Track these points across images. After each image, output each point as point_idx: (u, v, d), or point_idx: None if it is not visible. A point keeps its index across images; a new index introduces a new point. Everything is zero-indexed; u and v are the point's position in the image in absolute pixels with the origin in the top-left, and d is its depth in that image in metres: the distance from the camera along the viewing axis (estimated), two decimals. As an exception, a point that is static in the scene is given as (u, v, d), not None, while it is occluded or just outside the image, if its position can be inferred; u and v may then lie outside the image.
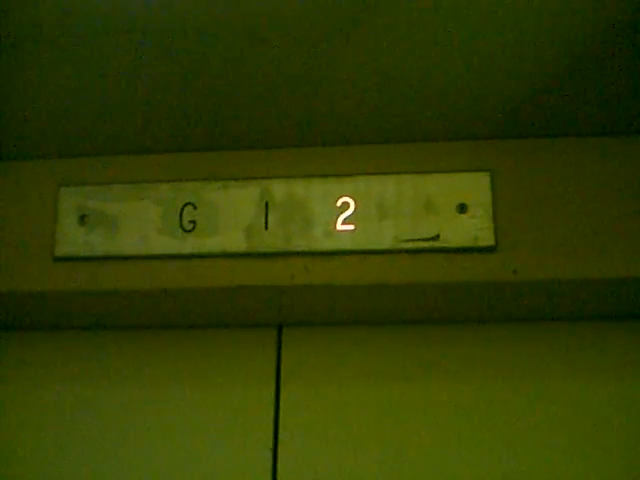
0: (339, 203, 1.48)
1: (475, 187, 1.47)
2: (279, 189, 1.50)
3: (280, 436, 1.56)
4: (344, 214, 1.48)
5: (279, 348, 1.61)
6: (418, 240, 1.45)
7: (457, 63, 1.33)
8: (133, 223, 1.51)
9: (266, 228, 1.48)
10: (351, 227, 1.47)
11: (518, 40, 1.28)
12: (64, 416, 1.61)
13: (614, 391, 1.52)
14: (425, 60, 1.33)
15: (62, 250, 1.51)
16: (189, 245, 1.49)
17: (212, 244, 1.48)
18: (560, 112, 1.43)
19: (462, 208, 1.46)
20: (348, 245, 1.46)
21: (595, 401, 1.52)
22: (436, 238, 1.45)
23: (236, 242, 1.48)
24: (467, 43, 1.29)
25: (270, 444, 1.55)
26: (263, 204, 1.49)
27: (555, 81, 1.36)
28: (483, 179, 1.47)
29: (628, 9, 1.21)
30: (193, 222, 1.50)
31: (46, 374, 1.64)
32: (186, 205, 1.51)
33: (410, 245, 1.45)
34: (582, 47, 1.29)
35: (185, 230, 1.50)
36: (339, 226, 1.47)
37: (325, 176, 1.50)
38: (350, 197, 1.48)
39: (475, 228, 1.45)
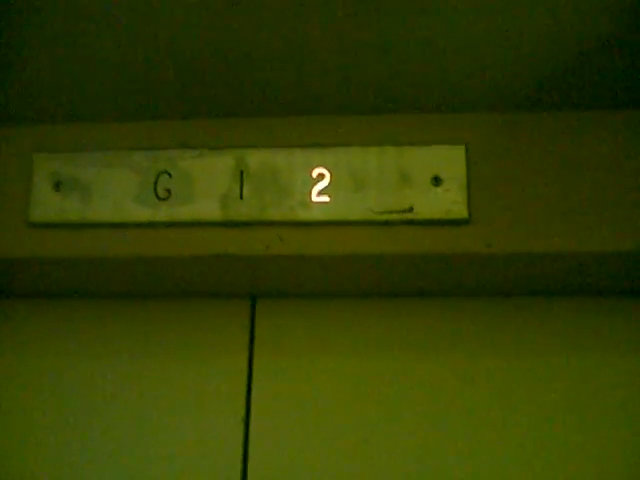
0: (314, 174, 1.48)
1: (450, 160, 1.47)
2: (254, 158, 1.49)
3: (252, 407, 1.56)
4: (319, 185, 1.48)
5: (252, 319, 1.61)
6: (392, 212, 1.46)
7: (436, 37, 1.33)
8: (108, 190, 1.50)
9: (241, 197, 1.48)
10: (326, 198, 1.47)
11: (502, 14, 1.29)
12: (35, 384, 1.60)
13: (590, 365, 1.54)
14: (405, 33, 1.33)
15: (36, 216, 1.50)
16: (163, 213, 1.48)
17: (186, 213, 1.48)
18: (536, 86, 1.44)
19: (436, 181, 1.46)
20: (323, 216, 1.46)
21: (570, 375, 1.53)
22: (410, 210, 1.45)
23: (211, 211, 1.48)
24: (453, 17, 1.29)
25: (242, 414, 1.55)
26: (238, 173, 1.49)
27: (533, 56, 1.37)
28: (458, 152, 1.47)
29: None
30: (168, 190, 1.50)
31: (18, 341, 1.64)
32: (161, 173, 1.50)
33: (384, 217, 1.45)
34: (565, 25, 1.30)
35: (160, 198, 1.49)
36: (314, 197, 1.47)
37: (301, 147, 1.49)
38: (325, 168, 1.48)
39: (449, 201, 1.45)
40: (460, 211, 1.44)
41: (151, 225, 1.48)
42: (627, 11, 1.27)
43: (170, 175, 1.50)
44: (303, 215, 1.47)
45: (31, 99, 1.50)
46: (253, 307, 1.62)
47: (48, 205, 1.50)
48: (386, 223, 1.45)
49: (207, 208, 1.48)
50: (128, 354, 1.61)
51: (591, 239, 1.42)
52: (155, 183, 1.50)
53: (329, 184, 1.48)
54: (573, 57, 1.37)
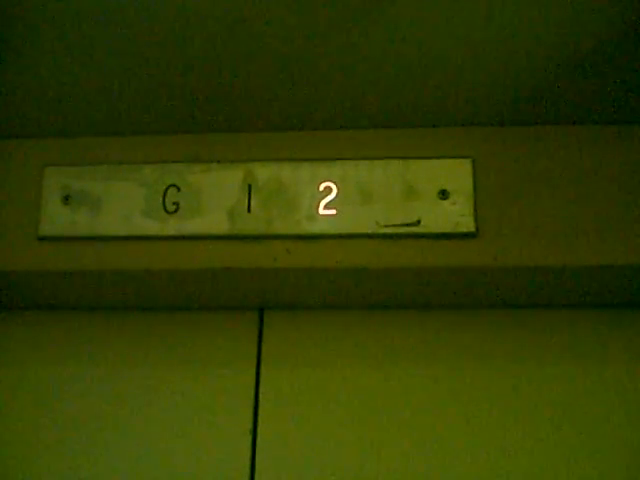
0: (321, 187, 1.49)
1: (457, 174, 1.48)
2: (262, 172, 1.50)
3: (259, 419, 1.57)
4: (326, 198, 1.49)
5: (260, 331, 1.62)
6: (399, 225, 1.46)
7: (443, 51, 1.34)
8: (117, 204, 1.51)
9: (249, 211, 1.49)
10: (333, 211, 1.48)
11: (508, 28, 1.29)
12: (45, 396, 1.61)
13: (594, 377, 1.54)
14: (411, 47, 1.33)
15: (46, 230, 1.51)
16: (172, 227, 1.50)
17: (195, 226, 1.49)
18: (543, 100, 1.44)
19: (443, 194, 1.47)
20: (330, 229, 1.47)
21: (575, 387, 1.54)
22: (417, 223, 1.46)
23: (219, 224, 1.49)
24: (454, 30, 1.30)
25: (249, 426, 1.56)
26: (246, 187, 1.50)
27: (540, 70, 1.37)
28: (465, 166, 1.48)
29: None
30: (176, 204, 1.51)
31: (28, 353, 1.65)
32: (170, 187, 1.52)
33: (391, 230, 1.46)
34: (570, 39, 1.30)
35: (168, 212, 1.50)
36: (321, 210, 1.48)
37: (308, 160, 1.51)
38: (332, 182, 1.49)
39: (456, 214, 1.46)
40: (467, 224, 1.45)
41: (159, 238, 1.50)
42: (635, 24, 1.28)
43: (178, 189, 1.51)
44: (310, 228, 1.48)
45: (41, 113, 1.51)
46: (261, 319, 1.63)
47: (57, 218, 1.52)
48: (393, 236, 1.46)
49: (215, 221, 1.49)
50: (136, 366, 1.62)
51: (597, 252, 1.43)
52: (164, 197, 1.51)
53: (336, 197, 1.49)
54: (581, 71, 1.37)
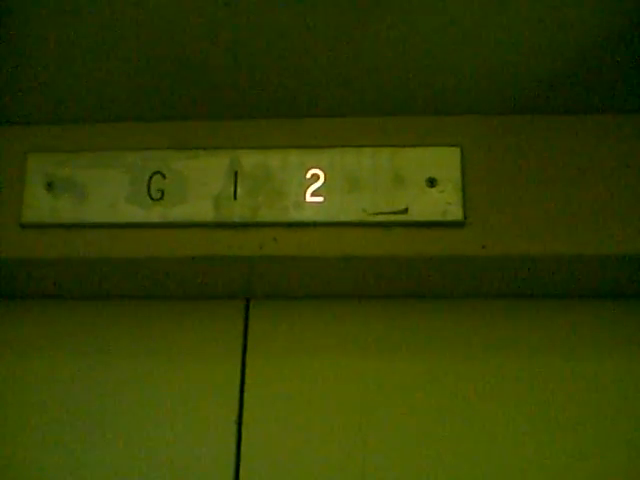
0: (309, 175, 1.48)
1: (445, 162, 1.47)
2: (248, 159, 1.49)
3: (245, 409, 1.55)
4: (313, 186, 1.47)
5: (246, 321, 1.61)
6: (387, 213, 1.45)
7: (432, 40, 1.33)
8: (101, 191, 1.50)
9: (235, 198, 1.48)
10: (320, 199, 1.47)
11: (497, 18, 1.29)
12: (26, 385, 1.60)
13: (584, 367, 1.54)
14: (401, 36, 1.33)
15: (29, 217, 1.50)
16: (157, 214, 1.48)
17: (180, 213, 1.48)
18: (531, 89, 1.44)
19: (431, 182, 1.46)
20: (317, 217, 1.46)
21: (563, 377, 1.53)
22: (405, 211, 1.45)
23: (204, 212, 1.47)
24: (444, 20, 1.30)
25: (235, 416, 1.55)
26: (232, 174, 1.49)
27: (529, 59, 1.37)
28: (453, 154, 1.47)
29: None
30: (161, 191, 1.49)
31: (11, 343, 1.63)
32: (154, 174, 1.50)
33: (379, 218, 1.45)
34: (560, 30, 1.30)
35: (153, 199, 1.49)
36: (308, 198, 1.47)
37: (295, 147, 1.49)
38: (320, 169, 1.48)
39: (444, 202, 1.45)
40: (455, 212, 1.44)
41: (144, 226, 1.48)
42: (627, 13, 1.27)
43: (163, 176, 1.50)
44: (297, 216, 1.46)
45: (24, 100, 1.49)
46: (247, 308, 1.62)
47: (41, 206, 1.50)
48: (380, 224, 1.45)
49: (200, 209, 1.47)
50: (120, 356, 1.60)
51: (586, 242, 1.42)
52: (148, 184, 1.50)
53: (323, 185, 1.48)
54: (569, 60, 1.37)
